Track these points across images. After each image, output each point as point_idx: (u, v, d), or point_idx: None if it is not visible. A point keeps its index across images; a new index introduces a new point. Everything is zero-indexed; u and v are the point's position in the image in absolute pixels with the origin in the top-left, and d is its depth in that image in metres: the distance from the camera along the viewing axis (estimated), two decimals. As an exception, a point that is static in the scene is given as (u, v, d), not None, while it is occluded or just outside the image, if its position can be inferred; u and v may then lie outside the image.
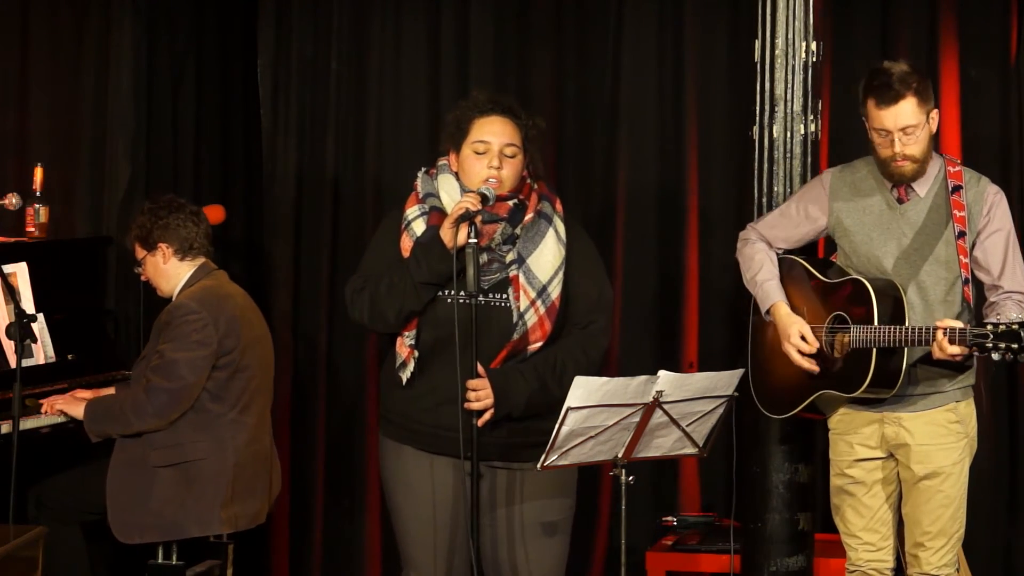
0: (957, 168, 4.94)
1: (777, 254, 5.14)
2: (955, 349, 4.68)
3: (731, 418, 5.22)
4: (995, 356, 4.61)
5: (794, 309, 5.04)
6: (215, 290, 5.46)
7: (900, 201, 4.95)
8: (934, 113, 4.88)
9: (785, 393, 5.10)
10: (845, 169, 5.07)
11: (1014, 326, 4.55)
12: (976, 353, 4.67)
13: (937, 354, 4.72)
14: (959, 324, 4.70)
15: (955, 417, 4.94)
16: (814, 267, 5.07)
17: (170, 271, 5.49)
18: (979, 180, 4.95)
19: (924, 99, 4.84)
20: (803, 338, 4.96)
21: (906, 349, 4.80)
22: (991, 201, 4.92)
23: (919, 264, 4.89)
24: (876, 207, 4.97)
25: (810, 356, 4.96)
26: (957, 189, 4.90)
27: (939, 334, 4.69)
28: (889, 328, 4.77)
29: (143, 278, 5.59)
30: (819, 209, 5.07)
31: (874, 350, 4.80)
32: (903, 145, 4.84)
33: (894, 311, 4.83)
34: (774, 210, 5.28)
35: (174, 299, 5.45)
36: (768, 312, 5.07)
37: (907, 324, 4.79)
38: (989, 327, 4.60)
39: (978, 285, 4.93)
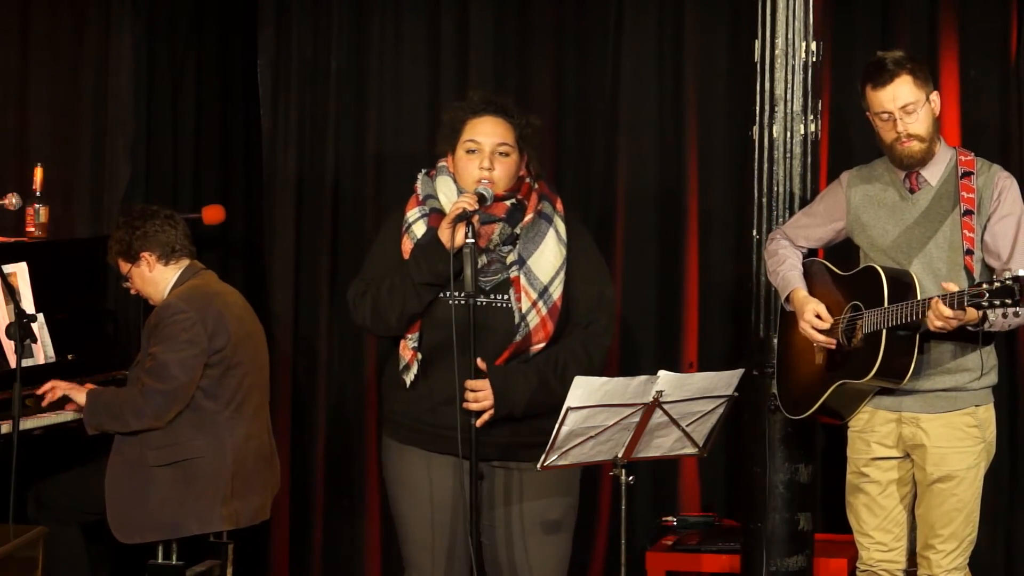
0: (969, 157, 4.95)
1: (802, 254, 5.16)
2: (949, 312, 4.65)
3: (764, 423, 5.24)
4: (991, 316, 4.63)
5: None
6: (202, 288, 5.48)
7: (912, 191, 4.96)
8: (934, 95, 4.91)
9: (804, 391, 5.10)
10: (863, 168, 5.10)
11: (1008, 281, 4.52)
12: (976, 315, 4.64)
13: (933, 323, 4.70)
14: (954, 287, 4.69)
15: (973, 421, 4.93)
16: (835, 265, 5.08)
17: (157, 278, 5.51)
18: (990, 167, 4.96)
19: (921, 79, 4.87)
20: (818, 316, 4.97)
21: (917, 338, 4.79)
22: (1001, 186, 4.91)
23: (924, 241, 4.89)
24: (889, 200, 4.99)
25: (828, 342, 4.96)
26: (968, 175, 4.91)
27: (935, 300, 4.67)
28: (896, 306, 4.77)
29: (132, 292, 5.61)
30: (838, 207, 5.09)
31: (884, 333, 4.80)
32: (905, 124, 4.86)
33: (905, 293, 4.82)
34: (800, 211, 5.32)
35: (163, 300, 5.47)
36: (787, 300, 5.08)
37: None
38: (984, 285, 4.56)
39: (989, 270, 4.91)
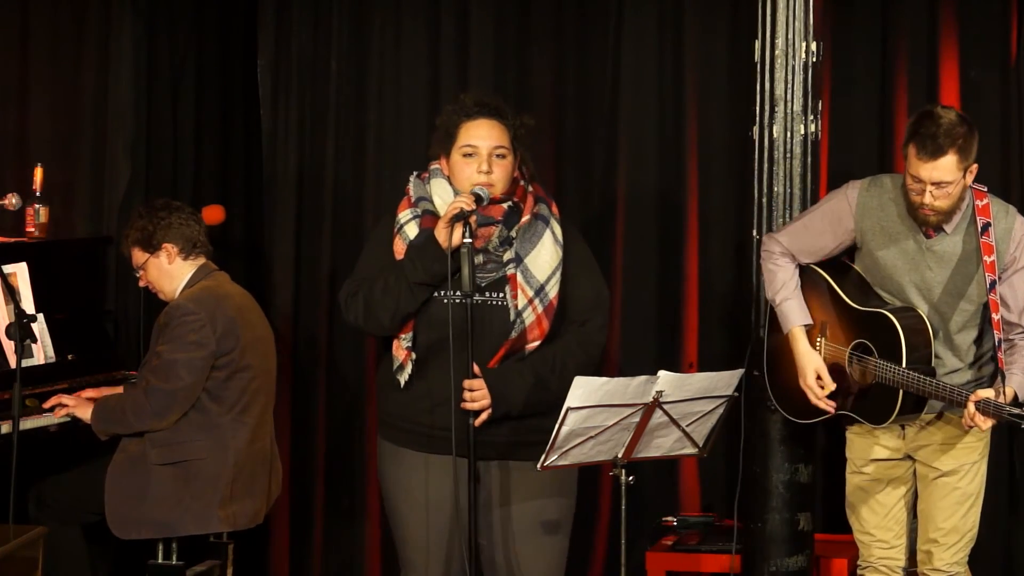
0: (985, 201, 4.86)
1: (801, 266, 5.12)
2: (988, 424, 4.70)
3: (765, 423, 5.19)
4: None
5: (816, 322, 5.04)
6: (214, 290, 5.47)
7: (927, 236, 4.90)
8: (973, 167, 4.80)
9: (805, 403, 5.07)
10: (872, 187, 4.99)
11: None
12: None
13: (967, 423, 4.72)
14: (990, 394, 4.69)
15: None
16: (836, 280, 5.04)
17: (174, 272, 5.50)
18: (1007, 214, 4.90)
19: (965, 155, 4.75)
20: (819, 379, 4.97)
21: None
22: (1018, 239, 4.87)
23: (952, 305, 4.88)
24: (902, 237, 4.92)
25: (827, 407, 4.98)
26: (986, 228, 4.84)
27: (971, 406, 4.69)
28: (920, 378, 4.77)
29: (142, 283, 5.58)
30: (846, 227, 5.01)
31: (900, 392, 4.82)
32: (933, 198, 4.77)
33: (922, 354, 4.84)
34: (796, 220, 5.21)
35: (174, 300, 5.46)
36: (785, 336, 5.08)
37: (933, 364, 4.82)
38: None
39: (1003, 320, 4.91)
